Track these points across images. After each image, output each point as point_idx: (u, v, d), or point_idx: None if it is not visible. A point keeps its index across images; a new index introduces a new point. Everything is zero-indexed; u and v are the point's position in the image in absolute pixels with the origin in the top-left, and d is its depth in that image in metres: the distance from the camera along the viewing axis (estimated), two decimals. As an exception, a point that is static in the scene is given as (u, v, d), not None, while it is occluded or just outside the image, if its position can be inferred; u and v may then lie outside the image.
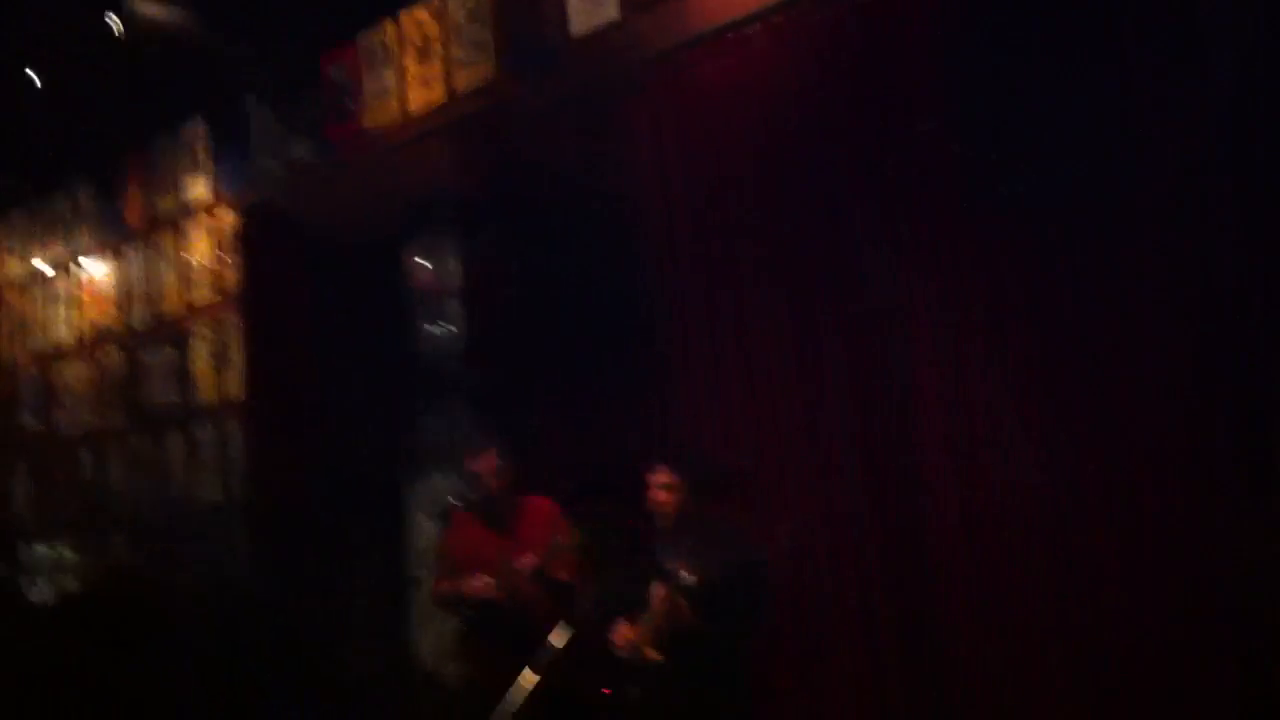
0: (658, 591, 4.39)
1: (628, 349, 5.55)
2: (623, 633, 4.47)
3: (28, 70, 7.75)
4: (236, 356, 7.89)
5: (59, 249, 9.58)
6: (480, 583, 4.94)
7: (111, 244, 9.08)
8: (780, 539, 4.80)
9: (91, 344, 9.28)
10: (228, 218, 8.06)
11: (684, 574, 4.32)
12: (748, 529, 4.70)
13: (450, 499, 5.45)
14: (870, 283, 4.97)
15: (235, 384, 7.92)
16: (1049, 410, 4.58)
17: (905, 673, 4.87)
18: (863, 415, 4.99)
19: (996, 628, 4.66)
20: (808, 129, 5.20)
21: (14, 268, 10.04)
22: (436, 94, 6.72)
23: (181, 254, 8.42)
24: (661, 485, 4.55)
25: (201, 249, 8.26)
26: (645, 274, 5.56)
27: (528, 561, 4.88)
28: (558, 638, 4.50)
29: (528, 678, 4.46)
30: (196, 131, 8.30)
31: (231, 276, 8.00)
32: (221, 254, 8.08)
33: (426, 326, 7.13)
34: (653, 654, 4.37)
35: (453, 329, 6.79)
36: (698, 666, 4.36)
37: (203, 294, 8.28)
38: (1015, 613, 4.62)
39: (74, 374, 9.46)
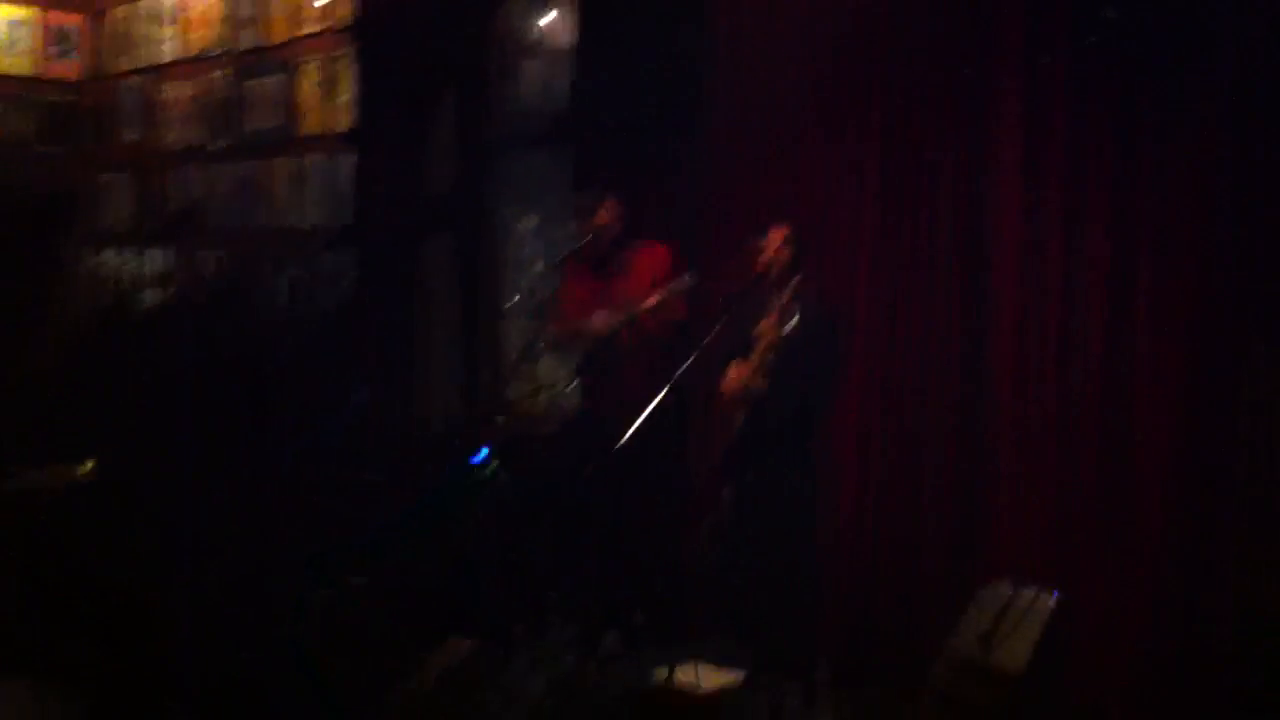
0: (763, 329, 5.03)
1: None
2: (734, 371, 5.12)
3: None
4: (345, 87, 8.33)
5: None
6: (602, 320, 5.52)
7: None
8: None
9: (195, 64, 9.69)
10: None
11: (784, 318, 4.96)
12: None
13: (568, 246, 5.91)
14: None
15: (342, 114, 8.39)
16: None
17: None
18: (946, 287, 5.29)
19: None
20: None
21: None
22: None
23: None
24: (775, 241, 5.10)
25: (314, -21, 8.60)
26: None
27: (648, 302, 5.44)
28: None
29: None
30: None
31: (340, 11, 8.37)
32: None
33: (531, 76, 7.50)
34: (757, 382, 5.01)
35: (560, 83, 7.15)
36: (787, 402, 5.02)
37: (311, 25, 8.66)
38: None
39: (176, 92, 9.91)
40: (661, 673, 4.83)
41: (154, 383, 7.17)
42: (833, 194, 5.56)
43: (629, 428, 4.83)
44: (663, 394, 4.84)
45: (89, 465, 6.97)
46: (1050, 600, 4.74)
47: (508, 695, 4.92)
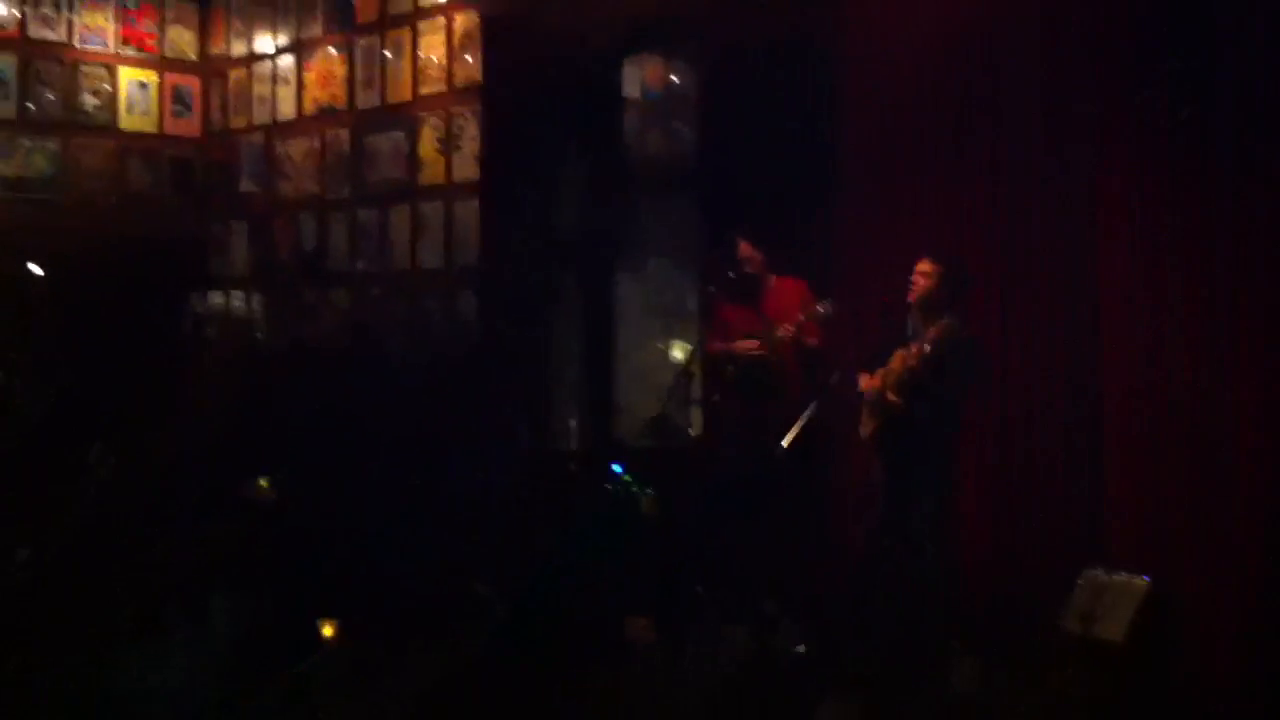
0: (900, 353, 5.76)
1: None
2: (865, 380, 5.86)
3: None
4: (468, 143, 9.12)
5: (286, 34, 10.73)
6: (748, 344, 6.30)
7: (340, 34, 10.22)
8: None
9: (314, 121, 10.51)
10: (461, 19, 9.20)
11: (925, 344, 5.68)
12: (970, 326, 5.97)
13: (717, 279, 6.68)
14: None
15: (465, 167, 9.17)
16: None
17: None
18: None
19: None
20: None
21: (238, 48, 11.21)
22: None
23: (413, 49, 9.58)
24: (923, 271, 5.83)
25: (434, 45, 9.41)
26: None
27: (787, 329, 6.21)
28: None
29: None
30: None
31: (464, 72, 9.18)
32: (455, 51, 9.24)
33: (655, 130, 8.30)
34: (893, 397, 5.73)
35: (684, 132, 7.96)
36: (921, 415, 5.74)
37: (433, 86, 9.47)
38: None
39: (296, 147, 10.72)
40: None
41: (326, 413, 7.89)
42: (962, 235, 6.28)
43: (781, 438, 5.57)
44: (811, 407, 5.59)
45: (265, 483, 7.77)
46: (1143, 582, 5.47)
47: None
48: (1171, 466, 5.60)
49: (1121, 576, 5.56)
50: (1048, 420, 6.00)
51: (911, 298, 5.80)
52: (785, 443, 5.72)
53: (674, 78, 8.23)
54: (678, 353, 7.23)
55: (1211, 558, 5.46)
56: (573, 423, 8.58)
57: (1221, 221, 5.47)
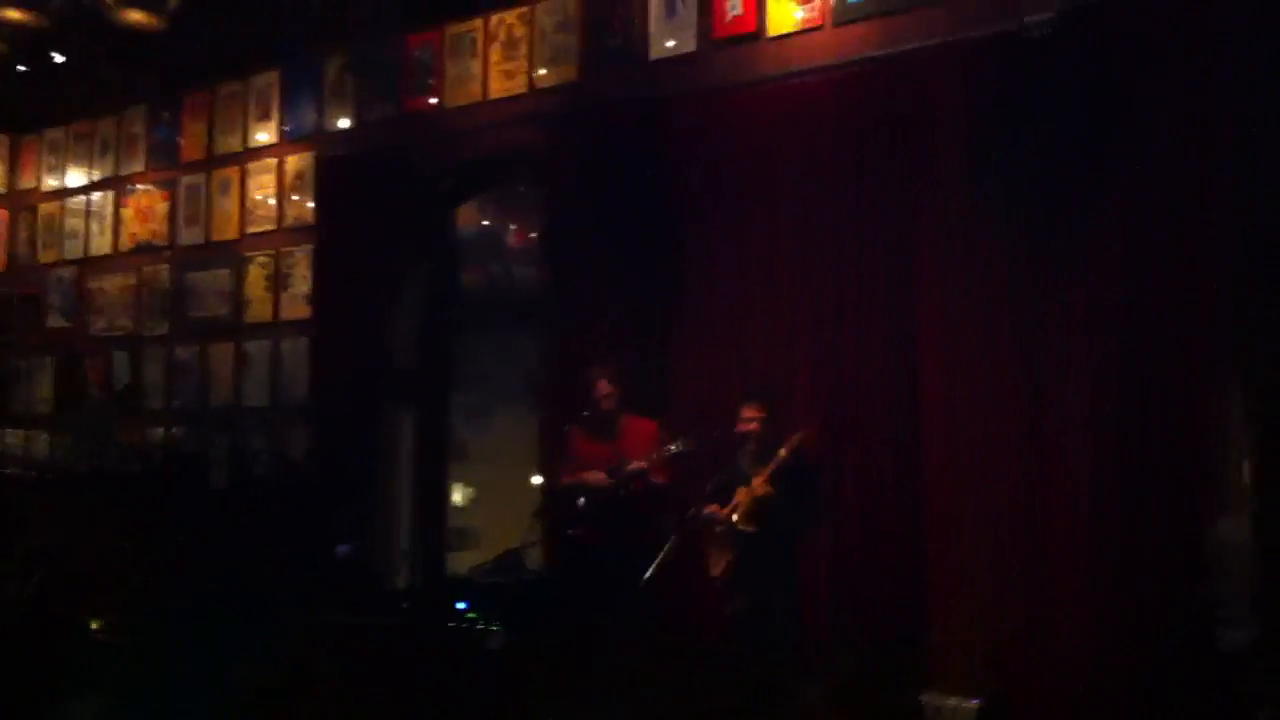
0: (742, 488, 6.12)
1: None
2: (715, 511, 6.18)
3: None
4: (298, 281, 9.22)
5: (103, 169, 10.67)
6: (598, 477, 6.56)
7: (163, 171, 10.24)
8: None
9: (132, 256, 10.43)
10: (293, 160, 9.37)
11: (757, 482, 6.05)
12: (809, 452, 6.37)
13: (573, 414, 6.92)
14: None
15: (293, 305, 9.25)
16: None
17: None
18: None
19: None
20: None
21: (50, 182, 11.07)
22: (518, 84, 8.17)
23: (242, 188, 9.67)
24: (749, 417, 6.22)
25: (264, 185, 9.53)
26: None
27: (635, 466, 6.50)
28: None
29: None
30: (269, 79, 9.53)
31: (295, 210, 9.31)
32: (285, 190, 9.38)
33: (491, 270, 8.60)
34: (743, 525, 6.06)
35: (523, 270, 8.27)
36: (770, 538, 6.08)
37: (262, 224, 9.56)
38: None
39: (110, 282, 10.60)
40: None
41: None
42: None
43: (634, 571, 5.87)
44: (671, 540, 5.90)
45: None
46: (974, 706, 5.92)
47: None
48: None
49: (953, 700, 5.98)
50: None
51: (739, 439, 6.19)
52: (647, 576, 5.96)
53: (511, 216, 8.56)
54: (535, 482, 7.40)
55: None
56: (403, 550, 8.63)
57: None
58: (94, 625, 7.33)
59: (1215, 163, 5.72)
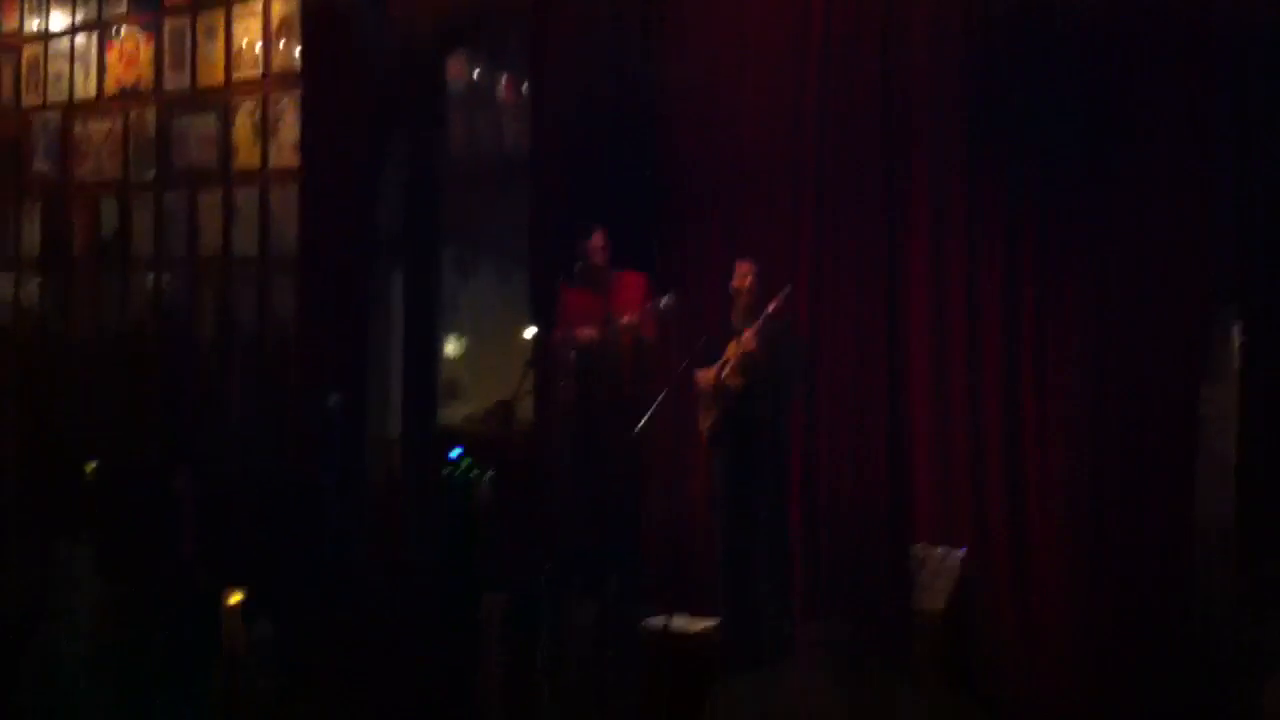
0: (733, 343, 6.17)
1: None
2: (701, 374, 6.24)
3: None
4: (286, 130, 9.11)
5: (86, 12, 10.45)
6: (588, 332, 6.59)
7: (146, 14, 10.03)
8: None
9: (118, 101, 10.27)
10: (279, 6, 9.17)
11: (759, 327, 6.09)
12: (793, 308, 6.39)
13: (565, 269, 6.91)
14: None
15: (282, 154, 9.15)
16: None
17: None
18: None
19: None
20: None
21: (33, 24, 10.84)
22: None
23: (227, 32, 9.48)
24: (743, 273, 6.24)
25: (250, 30, 9.35)
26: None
27: (626, 320, 6.53)
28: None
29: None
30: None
31: (281, 58, 9.16)
32: (271, 37, 9.21)
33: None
34: (733, 380, 6.11)
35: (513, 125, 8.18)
36: (759, 399, 6.15)
37: (248, 71, 9.40)
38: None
39: (96, 128, 10.45)
40: (658, 620, 5.91)
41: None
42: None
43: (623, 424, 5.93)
44: (663, 394, 5.95)
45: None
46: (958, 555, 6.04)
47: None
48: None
49: (939, 551, 6.11)
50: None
51: (733, 295, 6.20)
52: (637, 429, 6.04)
53: (500, 69, 8.43)
54: (527, 337, 7.41)
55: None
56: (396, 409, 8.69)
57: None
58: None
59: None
